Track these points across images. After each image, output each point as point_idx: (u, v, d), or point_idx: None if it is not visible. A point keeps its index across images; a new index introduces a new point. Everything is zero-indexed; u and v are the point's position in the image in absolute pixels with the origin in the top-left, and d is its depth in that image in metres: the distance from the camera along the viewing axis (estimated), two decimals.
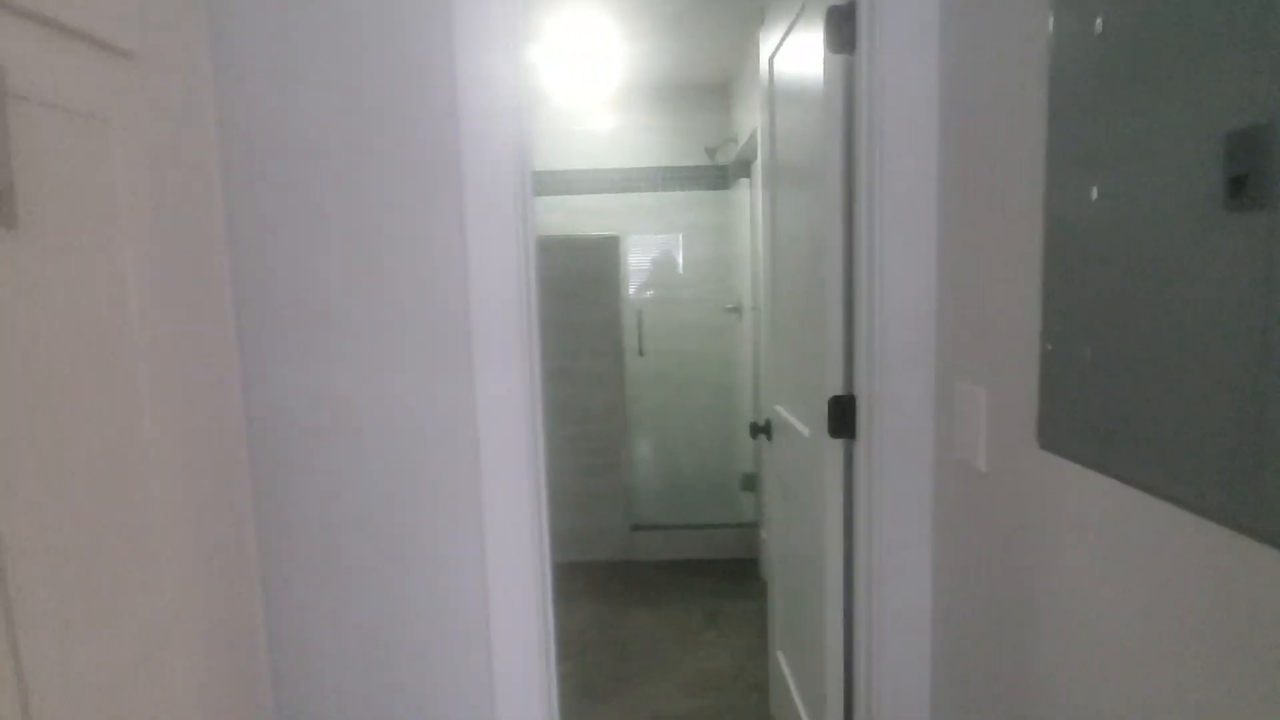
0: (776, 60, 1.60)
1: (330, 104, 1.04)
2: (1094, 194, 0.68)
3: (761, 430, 1.78)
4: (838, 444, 1.23)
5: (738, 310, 3.36)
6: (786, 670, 1.69)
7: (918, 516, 1.10)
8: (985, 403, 0.91)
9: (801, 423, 1.43)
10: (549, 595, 1.24)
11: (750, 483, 3.02)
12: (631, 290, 3.63)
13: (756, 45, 2.63)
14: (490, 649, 1.14)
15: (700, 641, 2.36)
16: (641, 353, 2.99)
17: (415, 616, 1.13)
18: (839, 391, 1.21)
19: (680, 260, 3.65)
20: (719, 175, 3.58)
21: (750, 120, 2.91)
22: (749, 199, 2.94)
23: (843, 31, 1.12)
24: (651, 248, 3.64)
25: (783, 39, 1.51)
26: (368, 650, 1.14)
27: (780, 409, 1.64)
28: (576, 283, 2.89)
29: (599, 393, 2.94)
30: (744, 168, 3.01)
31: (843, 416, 1.21)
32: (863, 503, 1.16)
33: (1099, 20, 0.66)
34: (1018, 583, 0.85)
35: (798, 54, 1.38)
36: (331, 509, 1.10)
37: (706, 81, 3.50)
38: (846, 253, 1.19)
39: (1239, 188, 0.51)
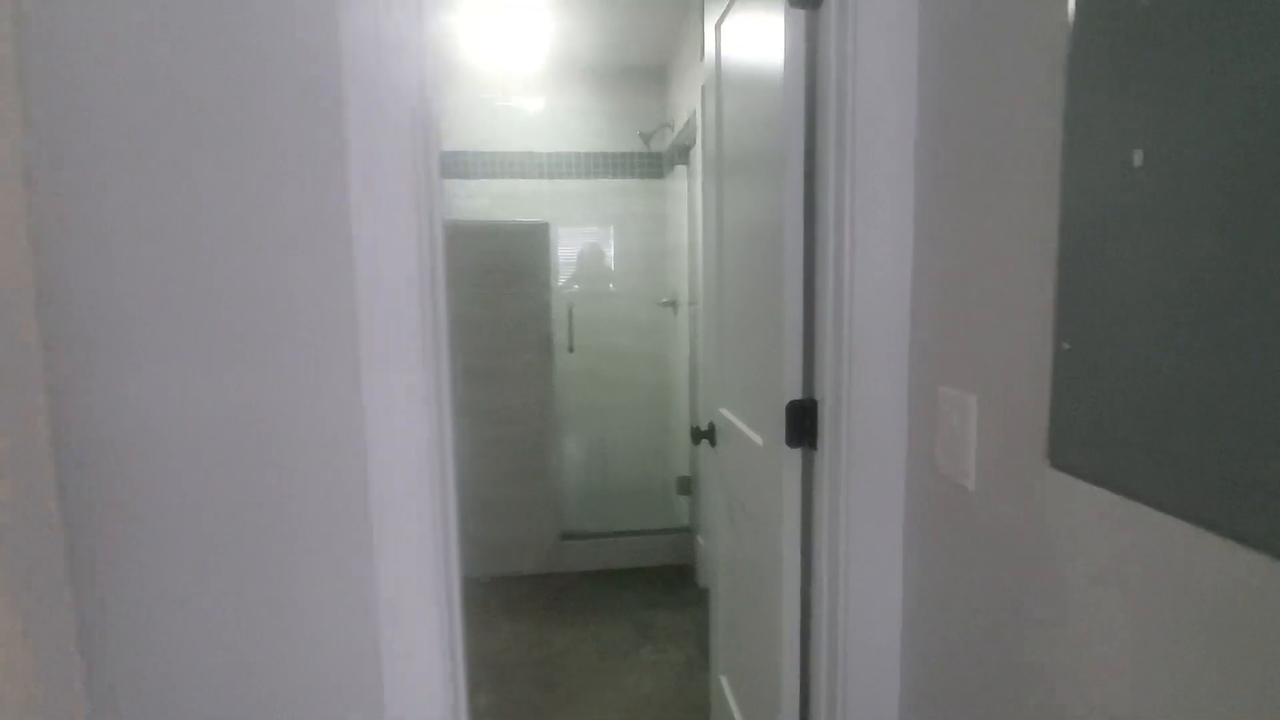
0: (724, 27, 1.44)
1: (170, 46, 0.80)
2: (1137, 159, 0.55)
3: (704, 435, 1.63)
4: (796, 454, 1.08)
5: (673, 305, 3.22)
6: (731, 697, 1.55)
7: (888, 537, 0.97)
8: (975, 411, 0.78)
9: (752, 429, 1.28)
10: (458, 622, 1.04)
11: (687, 486, 2.89)
12: (561, 282, 3.43)
13: (695, 27, 2.48)
14: (382, 689, 0.93)
15: (634, 660, 2.20)
16: (571, 349, 2.80)
17: (281, 659, 0.91)
18: (797, 395, 1.07)
19: (613, 252, 3.48)
20: (654, 163, 3.43)
21: (688, 104, 2.77)
22: (686, 188, 2.80)
23: None
24: (582, 238, 3.45)
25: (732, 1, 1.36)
26: (218, 707, 0.91)
27: (726, 413, 1.50)
28: (501, 273, 2.66)
29: (524, 391, 2.72)
30: (681, 154, 2.86)
31: (801, 423, 1.06)
32: (824, 520, 1.02)
33: None
34: (1011, 620, 0.73)
35: (751, 17, 1.23)
36: (172, 536, 0.87)
37: (642, 63, 3.34)
38: (807, 242, 1.05)
39: None
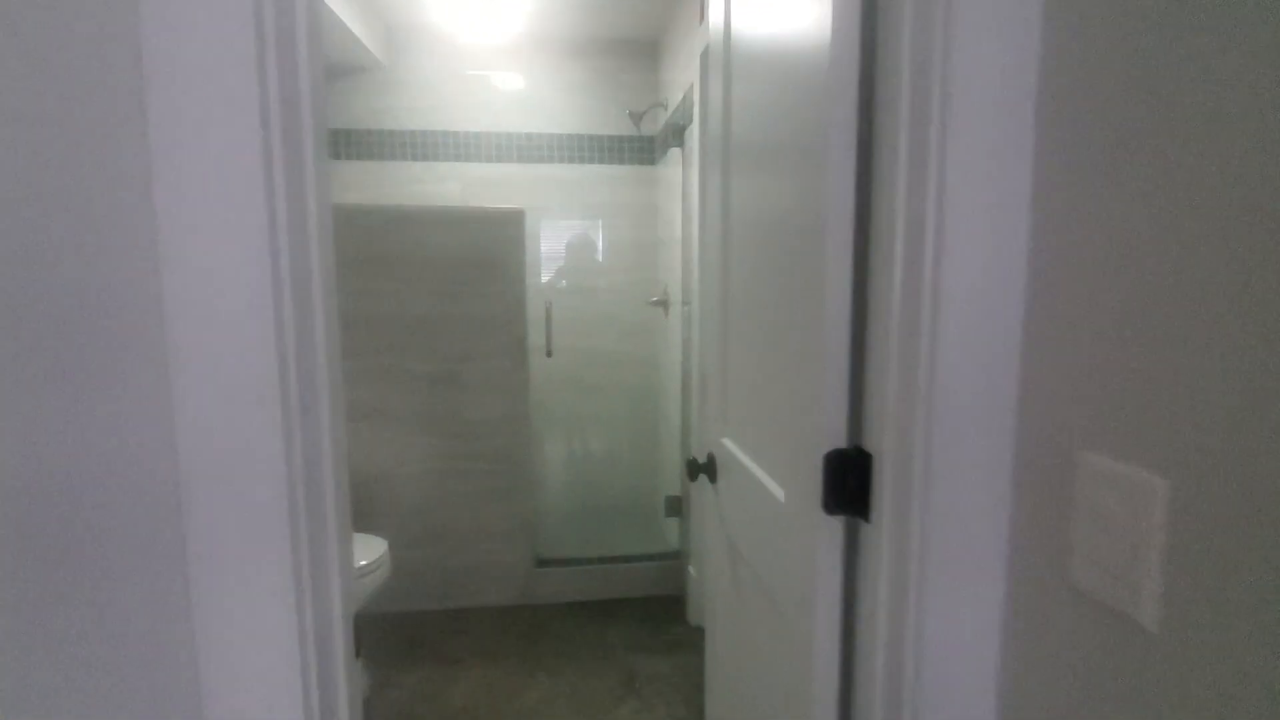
0: None
1: None
2: None
3: (702, 469, 1.32)
4: (836, 525, 0.78)
5: (664, 304, 2.91)
6: None
7: (978, 676, 0.66)
8: (1164, 502, 0.48)
9: (770, 476, 0.98)
10: (341, 686, 0.73)
11: (677, 507, 2.58)
12: (545, 279, 3.11)
13: None
14: None
15: (617, 718, 1.90)
16: (549, 353, 2.49)
17: None
18: (840, 443, 0.77)
19: (598, 244, 3.16)
20: (644, 147, 3.11)
21: (684, 79, 2.45)
22: (680, 175, 2.49)
23: None
24: (563, 228, 3.13)
25: None
26: None
27: (731, 445, 1.19)
28: (469, 267, 2.34)
29: (496, 401, 2.41)
30: (675, 135, 2.54)
31: (843, 481, 0.76)
32: (878, 631, 0.72)
33: None
34: None
35: None
36: None
37: (631, 35, 3.01)
38: (858, 241, 0.74)
39: None
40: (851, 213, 0.74)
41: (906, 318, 0.66)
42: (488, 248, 2.34)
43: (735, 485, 1.16)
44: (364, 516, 2.42)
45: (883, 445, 0.71)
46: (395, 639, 2.29)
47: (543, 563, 2.54)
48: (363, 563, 1.88)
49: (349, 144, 3.00)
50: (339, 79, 2.96)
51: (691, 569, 2.34)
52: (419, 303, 2.33)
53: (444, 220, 2.31)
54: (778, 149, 0.92)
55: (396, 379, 2.36)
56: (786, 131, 0.88)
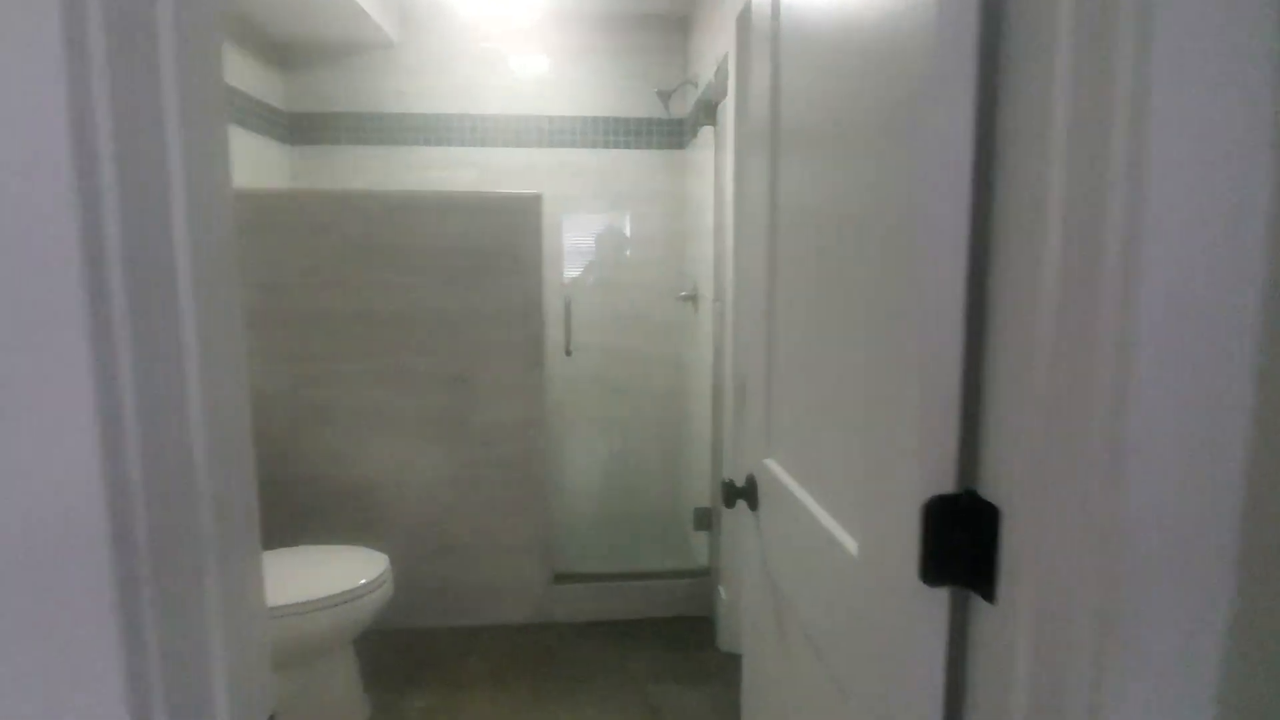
0: None
1: None
2: None
3: (740, 495, 1.10)
4: (939, 599, 0.56)
5: (693, 299, 2.69)
6: None
7: None
8: None
9: (834, 518, 0.76)
10: None
11: (706, 520, 2.37)
12: (570, 275, 2.91)
13: None
14: None
15: None
16: (569, 352, 2.30)
17: None
18: (948, 487, 0.55)
19: (622, 235, 2.95)
20: (673, 130, 2.89)
21: (715, 51, 2.23)
22: (712, 160, 2.27)
23: None
24: (587, 218, 2.93)
25: None
26: None
27: (774, 467, 0.98)
28: (482, 257, 2.15)
29: (510, 404, 2.22)
30: (706, 113, 2.32)
31: (951, 539, 0.54)
32: None
33: None
34: None
35: None
36: None
37: (659, 10, 2.79)
38: (974, 228, 0.52)
39: None
40: (968, 177, 0.52)
41: (1075, 310, 0.44)
42: (502, 236, 2.15)
43: (783, 520, 0.94)
44: (366, 528, 2.25)
45: (1018, 494, 0.49)
46: (400, 659, 2.12)
47: (560, 578, 2.34)
48: (362, 581, 1.71)
49: (358, 128, 2.83)
50: (347, 58, 2.80)
51: (722, 590, 2.13)
52: (428, 297, 2.15)
53: (454, 206, 2.12)
54: (847, 122, 0.70)
55: (403, 380, 2.19)
56: (855, 101, 0.65)
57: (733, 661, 2.08)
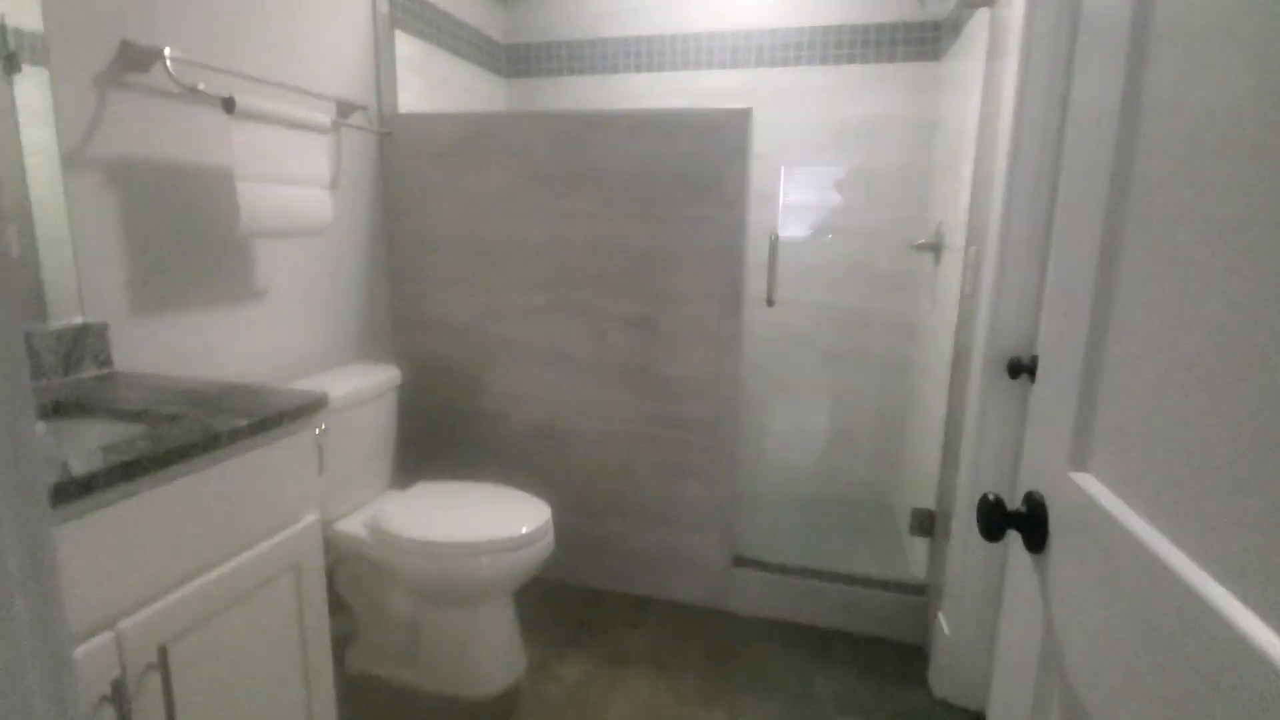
0: None
1: None
2: None
3: (1014, 523, 0.68)
4: None
5: (934, 249, 2.15)
6: None
7: None
8: None
9: (1260, 614, 0.34)
10: None
11: (927, 525, 1.89)
12: (769, 209, 2.52)
13: None
14: None
15: None
16: (771, 302, 1.93)
17: None
18: None
19: (848, 169, 2.46)
20: (927, 35, 2.31)
21: None
22: (982, 71, 1.69)
23: None
24: (805, 147, 2.48)
25: None
26: None
27: (1094, 486, 0.55)
28: (678, 185, 1.85)
29: (700, 356, 1.93)
30: (969, 10, 1.74)
31: None
32: None
33: None
34: None
35: None
36: None
37: None
38: None
39: None
40: None
41: None
42: (703, 161, 1.83)
43: (1105, 578, 0.52)
44: (538, 474, 2.14)
45: None
46: (562, 616, 2.00)
47: (741, 562, 2.04)
48: (523, 530, 1.56)
49: (570, 57, 2.68)
50: None
51: (943, 620, 1.66)
52: (618, 229, 1.92)
53: (651, 126, 1.84)
54: None
55: (583, 319, 2.00)
56: None
57: (948, 713, 1.62)
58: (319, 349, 1.87)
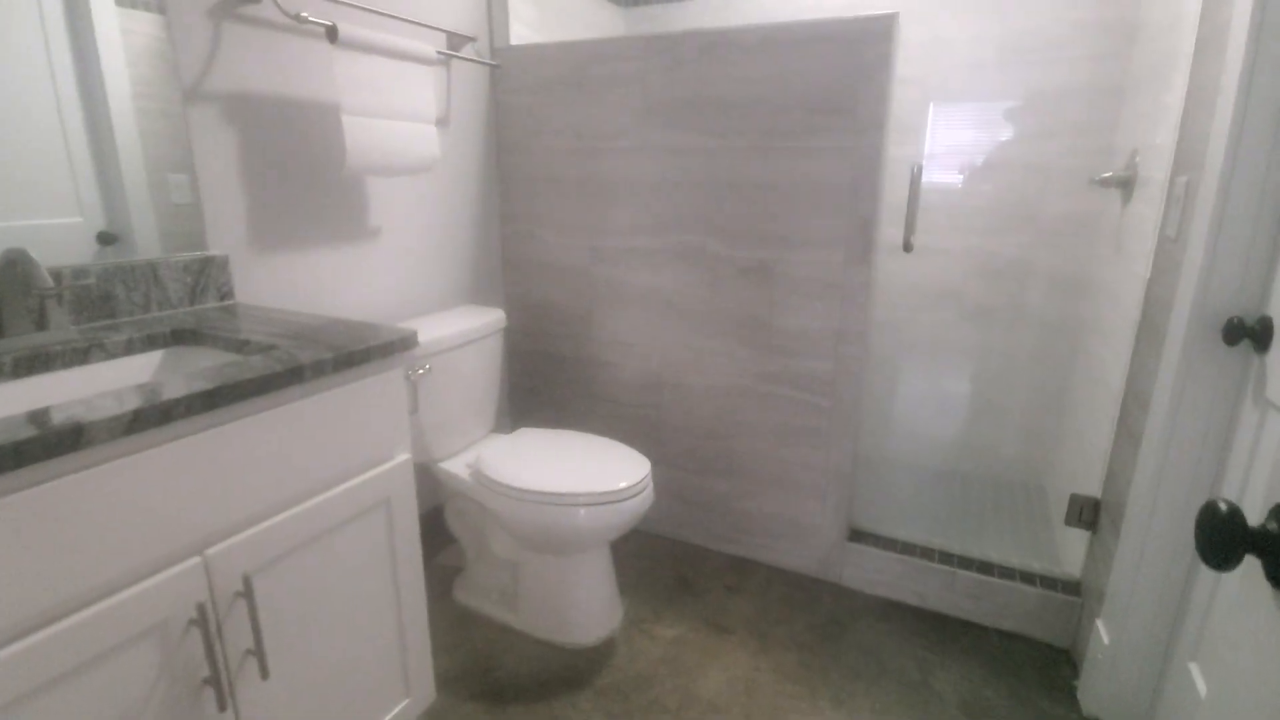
0: None
1: None
2: None
3: (1254, 544, 0.48)
4: None
5: (1124, 184, 1.77)
6: None
7: None
8: None
9: None
10: None
11: (1089, 516, 1.61)
12: (914, 140, 2.21)
13: None
14: None
15: None
16: (909, 247, 1.68)
17: None
18: None
19: (1013, 88, 2.08)
20: None
21: None
22: None
23: None
24: (960, 69, 2.13)
25: None
26: None
27: None
28: (804, 110, 1.64)
29: (822, 308, 1.73)
30: None
31: None
32: None
33: None
34: None
35: None
36: None
37: None
38: None
39: None
40: None
41: None
42: (835, 81, 1.59)
43: None
44: (644, 425, 2.06)
45: None
46: (662, 571, 1.93)
47: (858, 535, 1.86)
48: (621, 485, 1.49)
49: None
50: None
51: (1102, 626, 1.41)
52: (731, 166, 1.74)
53: (772, 43, 1.62)
54: None
55: (695, 264, 1.86)
56: None
57: None
58: (430, 290, 1.87)
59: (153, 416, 0.75)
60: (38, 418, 0.69)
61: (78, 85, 1.09)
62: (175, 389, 0.79)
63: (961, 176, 2.17)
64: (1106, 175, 1.77)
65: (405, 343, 1.09)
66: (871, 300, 1.70)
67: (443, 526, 2.02)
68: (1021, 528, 2.03)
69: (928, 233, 2.25)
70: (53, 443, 0.67)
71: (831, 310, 1.72)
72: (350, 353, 0.98)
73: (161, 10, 1.18)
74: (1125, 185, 1.76)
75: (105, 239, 1.16)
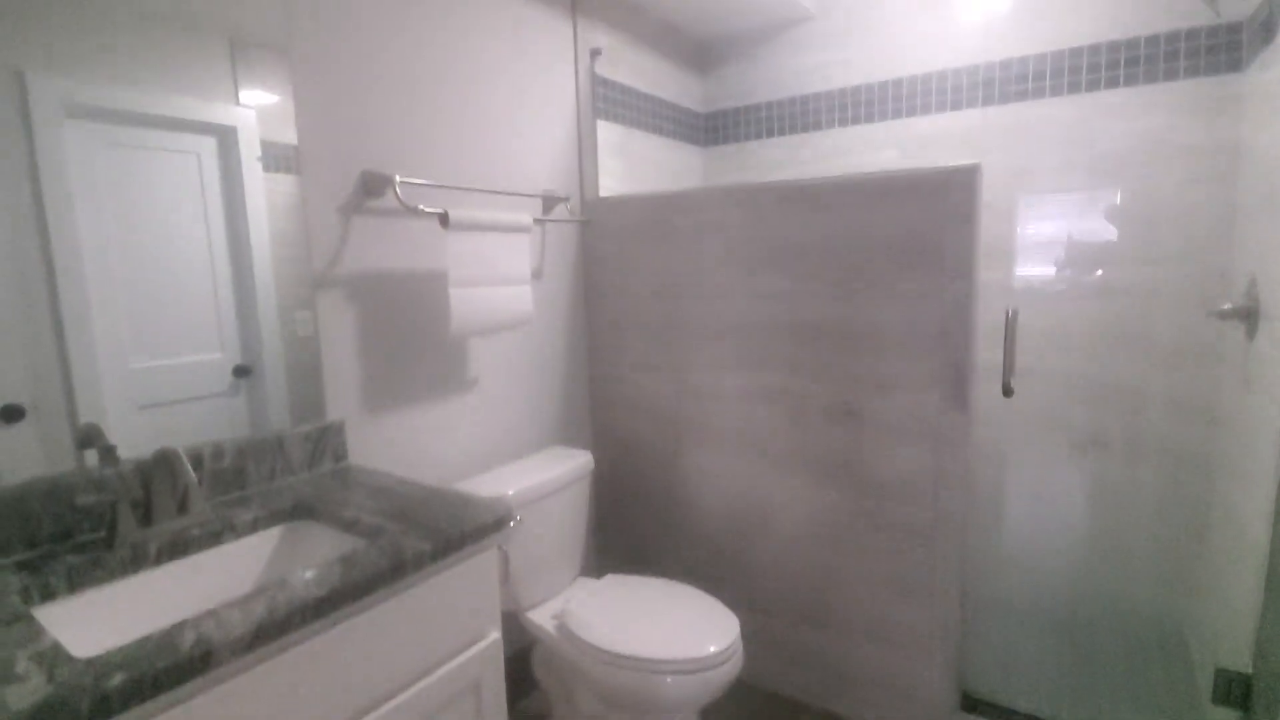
0: None
1: None
2: None
3: None
4: None
5: (1245, 317, 1.65)
6: None
7: None
8: None
9: None
10: None
11: (1240, 693, 1.40)
12: (1004, 272, 2.16)
13: None
14: None
15: None
16: (1008, 391, 1.61)
17: None
18: None
19: (1112, 215, 2.02)
20: (1222, 43, 1.84)
21: None
22: None
23: None
24: (1051, 193, 2.09)
25: None
26: None
27: None
28: (884, 256, 1.64)
29: (915, 452, 1.67)
30: None
31: None
32: None
33: None
34: None
35: None
36: None
37: None
38: None
39: None
40: None
41: None
42: (917, 228, 1.60)
43: None
44: (730, 568, 2.00)
45: None
46: None
47: (972, 704, 1.70)
48: (711, 650, 1.44)
49: (768, 118, 2.59)
50: (764, 44, 2.57)
51: None
52: (814, 308, 1.76)
53: (851, 193, 1.66)
54: None
55: (780, 405, 1.85)
56: None
57: None
58: (522, 432, 1.95)
59: (271, 631, 0.80)
60: (170, 643, 0.76)
61: (228, 237, 1.25)
62: (290, 595, 0.85)
63: (1055, 296, 2.09)
64: (1226, 308, 1.65)
65: (500, 522, 1.13)
66: (969, 446, 1.63)
67: (528, 670, 2.00)
68: (1159, 689, 1.78)
69: (1026, 354, 2.15)
70: (184, 668, 0.72)
71: (927, 456, 1.65)
72: (449, 539, 1.03)
73: (299, 171, 1.35)
74: (1248, 317, 1.63)
75: (240, 371, 1.29)
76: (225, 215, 1.25)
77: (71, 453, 1.07)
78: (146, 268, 1.15)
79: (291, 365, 1.37)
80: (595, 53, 2.11)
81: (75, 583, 0.95)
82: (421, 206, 1.49)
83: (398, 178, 1.48)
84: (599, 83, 2.13)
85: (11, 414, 1.02)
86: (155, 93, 1.14)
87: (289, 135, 1.33)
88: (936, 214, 1.57)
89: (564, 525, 1.79)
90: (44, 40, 1.01)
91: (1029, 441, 2.19)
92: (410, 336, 1.60)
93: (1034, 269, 2.13)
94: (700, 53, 2.71)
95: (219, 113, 1.23)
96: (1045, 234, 2.11)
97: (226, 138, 1.24)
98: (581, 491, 1.85)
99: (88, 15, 1.06)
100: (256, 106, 1.28)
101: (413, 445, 1.63)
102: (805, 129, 2.52)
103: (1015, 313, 1.60)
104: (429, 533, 1.04)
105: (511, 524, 1.62)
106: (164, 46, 1.15)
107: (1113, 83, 1.97)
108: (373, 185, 1.48)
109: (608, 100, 2.18)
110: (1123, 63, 1.95)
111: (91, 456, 1.09)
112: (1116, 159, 1.98)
